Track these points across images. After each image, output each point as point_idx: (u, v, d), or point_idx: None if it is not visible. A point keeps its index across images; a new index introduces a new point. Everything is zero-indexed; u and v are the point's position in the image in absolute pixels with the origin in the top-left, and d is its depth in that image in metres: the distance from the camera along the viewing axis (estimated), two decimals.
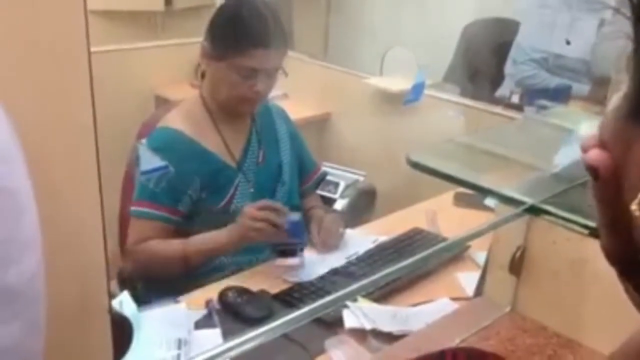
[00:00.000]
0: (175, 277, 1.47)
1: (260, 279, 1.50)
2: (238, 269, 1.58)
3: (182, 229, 1.56)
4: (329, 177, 1.90)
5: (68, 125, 0.59)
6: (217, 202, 1.57)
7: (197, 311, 1.35)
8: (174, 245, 1.46)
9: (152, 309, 1.29)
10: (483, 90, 2.72)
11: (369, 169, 2.29)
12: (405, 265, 0.92)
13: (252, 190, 1.59)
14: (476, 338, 1.19)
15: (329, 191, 2.09)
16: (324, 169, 1.86)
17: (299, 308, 0.80)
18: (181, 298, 1.38)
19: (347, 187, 2.14)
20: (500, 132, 1.27)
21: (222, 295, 1.40)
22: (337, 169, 2.19)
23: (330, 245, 1.54)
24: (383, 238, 1.67)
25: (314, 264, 1.53)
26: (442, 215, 1.81)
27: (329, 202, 1.98)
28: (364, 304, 1.36)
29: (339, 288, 0.87)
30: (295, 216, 1.44)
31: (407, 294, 1.45)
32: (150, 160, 1.36)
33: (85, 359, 0.64)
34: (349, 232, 1.68)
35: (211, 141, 1.54)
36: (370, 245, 1.64)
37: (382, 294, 1.43)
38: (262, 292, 1.43)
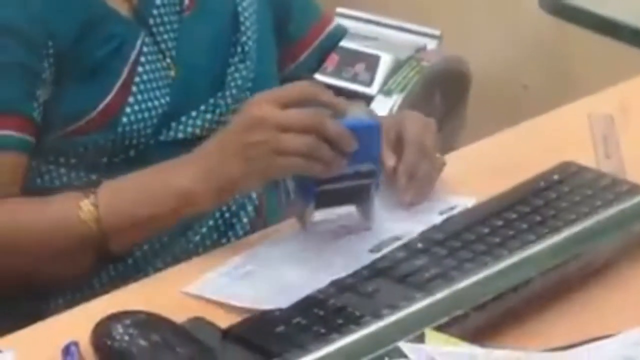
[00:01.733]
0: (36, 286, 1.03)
1: (185, 296, 0.97)
2: (144, 263, 1.05)
3: None
4: (351, 43, 1.54)
5: None
6: (90, 99, 1.05)
7: None
8: (62, 207, 1.00)
9: None
10: None
11: (448, 23, 1.84)
12: (542, 254, 0.73)
13: (170, 71, 1.09)
14: None
15: (353, 78, 1.68)
16: (338, 21, 1.28)
17: None
18: (11, 339, 0.90)
19: (397, 66, 1.70)
20: None
21: (103, 332, 0.90)
22: (371, 23, 1.78)
23: (421, 193, 1.04)
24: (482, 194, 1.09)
25: (316, 254, 0.99)
26: (627, 129, 1.23)
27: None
28: (439, 344, 0.90)
29: (380, 310, 0.77)
30: (361, 113, 1.00)
31: (549, 319, 0.95)
32: None
33: None
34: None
35: None
36: (455, 208, 1.05)
37: (486, 321, 0.92)
38: (199, 324, 0.90)
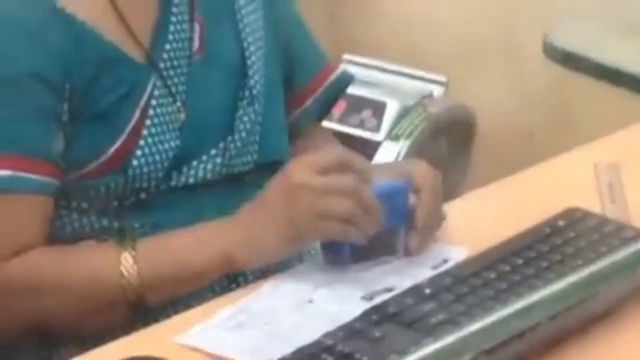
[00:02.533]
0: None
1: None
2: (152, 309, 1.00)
3: None
4: (358, 89, 1.56)
5: None
6: (101, 143, 1.04)
7: None
8: (104, 259, 0.99)
9: None
10: None
11: (454, 70, 1.84)
12: (549, 299, 0.73)
13: (181, 114, 1.07)
14: None
15: (360, 124, 1.68)
16: (343, 67, 1.32)
17: None
18: None
19: (403, 112, 1.70)
20: None
21: None
22: (378, 69, 1.77)
23: (427, 241, 1.04)
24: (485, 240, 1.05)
25: (327, 295, 0.98)
26: (630, 176, 1.23)
27: (358, 149, 1.50)
28: None
29: (387, 356, 0.74)
30: (387, 175, 1.03)
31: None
32: None
33: None
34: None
35: (93, 11, 1.05)
36: (448, 261, 1.05)
37: None
38: None
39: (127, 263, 0.96)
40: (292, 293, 0.96)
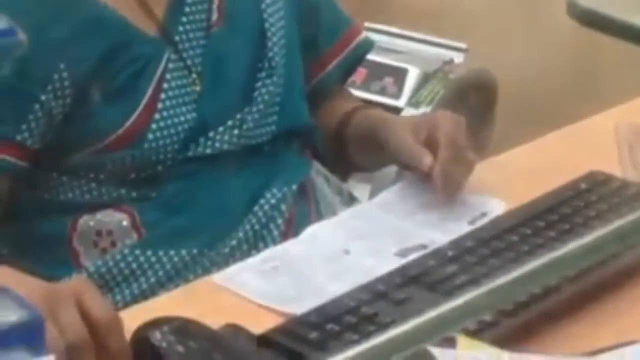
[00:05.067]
0: None
1: (221, 302, 0.95)
2: (175, 275, 1.03)
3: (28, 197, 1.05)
4: (379, 56, 1.52)
5: None
6: (115, 119, 1.03)
7: None
8: None
9: None
10: None
11: (475, 35, 1.84)
12: (571, 257, 0.71)
13: (196, 86, 1.07)
14: None
15: (381, 91, 1.66)
16: (366, 34, 1.28)
17: None
18: None
19: (424, 79, 1.69)
20: None
21: (142, 339, 0.88)
22: (399, 36, 1.76)
23: (454, 192, 1.04)
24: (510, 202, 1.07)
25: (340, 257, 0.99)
26: None
27: None
28: (471, 349, 0.91)
29: (407, 317, 0.64)
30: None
31: (581, 324, 0.95)
32: None
33: None
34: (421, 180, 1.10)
35: None
36: (486, 214, 1.05)
37: (517, 327, 0.92)
38: (234, 331, 0.89)
39: None
40: (329, 242, 0.99)
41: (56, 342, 0.80)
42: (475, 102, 1.75)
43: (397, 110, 1.67)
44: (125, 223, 1.02)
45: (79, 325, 0.81)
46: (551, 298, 0.88)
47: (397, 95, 1.71)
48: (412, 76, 1.73)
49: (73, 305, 0.82)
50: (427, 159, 0.99)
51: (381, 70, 1.71)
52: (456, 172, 1.01)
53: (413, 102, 1.71)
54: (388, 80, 1.72)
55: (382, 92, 1.71)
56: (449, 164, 0.99)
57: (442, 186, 0.99)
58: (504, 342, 0.90)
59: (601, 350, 0.93)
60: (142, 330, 0.88)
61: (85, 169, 1.00)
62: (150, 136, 1.00)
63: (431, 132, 1.01)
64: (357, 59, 1.22)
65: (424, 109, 1.68)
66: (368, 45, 1.23)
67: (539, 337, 0.92)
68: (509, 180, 1.12)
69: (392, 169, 1.31)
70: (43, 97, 0.97)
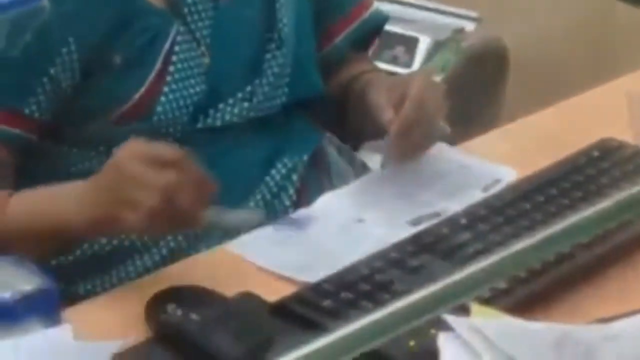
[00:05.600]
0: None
1: (234, 271, 0.96)
2: (186, 246, 1.03)
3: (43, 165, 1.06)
4: (390, 26, 1.42)
5: None
6: (124, 91, 1.04)
7: (100, 343, 0.89)
8: None
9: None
10: None
11: (487, 6, 1.83)
12: (584, 224, 0.70)
13: (205, 58, 1.07)
14: None
15: (392, 60, 1.69)
16: (377, 5, 1.26)
17: (332, 333, 0.57)
18: (68, 313, 0.90)
19: (436, 47, 1.72)
20: None
21: (157, 307, 0.91)
22: (410, 5, 1.78)
23: (412, 153, 1.04)
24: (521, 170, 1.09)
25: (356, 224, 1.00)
26: None
27: None
28: (484, 317, 0.91)
29: (420, 284, 0.62)
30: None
31: (595, 292, 0.96)
32: None
33: None
34: (442, 151, 1.10)
35: None
36: (499, 181, 1.06)
37: (531, 295, 0.93)
38: (248, 299, 0.91)
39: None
40: (342, 211, 0.99)
41: (154, 199, 0.87)
42: (487, 71, 1.75)
43: None
44: None
45: (161, 175, 0.88)
46: (565, 265, 0.88)
47: (408, 64, 1.70)
48: (423, 45, 1.72)
49: (141, 163, 0.89)
50: (387, 114, 0.98)
51: (392, 39, 1.70)
52: (417, 134, 0.99)
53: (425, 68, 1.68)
54: (399, 49, 1.71)
55: (394, 61, 1.70)
56: (408, 125, 0.97)
57: (395, 143, 0.98)
58: (518, 309, 0.89)
59: (616, 317, 0.91)
60: (156, 299, 0.91)
61: (96, 142, 1.01)
62: (160, 108, 1.00)
63: (403, 91, 1.00)
64: (368, 31, 1.21)
65: (436, 79, 1.61)
66: (380, 19, 1.22)
67: (553, 304, 0.92)
68: (521, 148, 1.12)
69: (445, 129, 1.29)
70: (52, 71, 0.98)
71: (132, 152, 0.91)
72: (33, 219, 0.97)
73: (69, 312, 0.89)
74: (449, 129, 1.02)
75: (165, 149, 0.93)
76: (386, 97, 1.00)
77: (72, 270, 1.01)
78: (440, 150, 1.09)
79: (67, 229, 0.94)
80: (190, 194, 0.87)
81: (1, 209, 0.97)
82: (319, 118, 1.13)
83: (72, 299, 0.92)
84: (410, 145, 0.99)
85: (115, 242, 1.01)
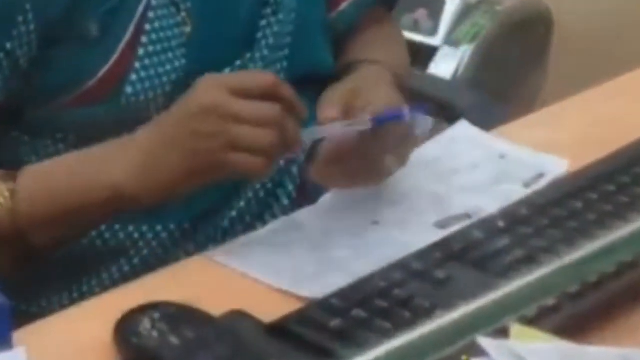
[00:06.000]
0: None
1: (222, 283, 0.98)
2: (172, 246, 1.06)
3: None
4: None
5: None
6: (88, 66, 1.04)
7: None
8: None
9: None
10: None
11: None
12: None
13: (187, 27, 1.07)
14: None
15: (413, 26, 1.71)
16: None
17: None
18: (21, 334, 0.91)
19: (465, 11, 1.74)
20: None
21: (127, 328, 0.91)
22: None
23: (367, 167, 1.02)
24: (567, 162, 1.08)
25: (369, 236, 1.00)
26: None
27: (418, 54, 1.58)
28: (526, 340, 0.89)
29: (454, 301, 0.72)
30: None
31: None
32: None
33: None
34: (474, 138, 1.12)
35: None
36: (544, 175, 1.06)
37: (583, 314, 0.92)
38: (239, 318, 0.91)
39: (2, 198, 0.99)
40: (353, 211, 1.00)
41: (272, 135, 0.92)
42: (527, 40, 1.76)
43: (432, 50, 1.70)
44: None
45: (270, 107, 0.93)
46: (625, 278, 0.87)
47: (432, 31, 1.73)
48: (451, 7, 1.75)
49: (230, 95, 0.93)
50: (325, 111, 1.00)
51: (413, 1, 1.73)
52: (355, 166, 1.00)
53: (452, 40, 1.73)
54: (421, 13, 1.74)
55: (415, 27, 1.73)
56: (341, 153, 0.98)
57: (322, 167, 1.00)
58: (567, 331, 0.88)
59: None
60: (128, 317, 0.88)
61: (51, 128, 1.01)
62: (129, 89, 1.01)
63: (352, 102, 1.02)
64: None
65: (465, 49, 1.70)
66: None
67: (610, 324, 0.90)
68: (570, 134, 1.13)
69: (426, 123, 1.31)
70: (8, 45, 0.99)
71: (216, 87, 0.95)
72: (65, 195, 1.01)
73: (23, 333, 0.89)
74: (395, 170, 1.01)
75: (254, 77, 1.00)
76: (340, 95, 1.02)
77: (25, 283, 1.01)
78: (471, 136, 1.10)
79: (121, 198, 0.97)
80: (294, 121, 0.94)
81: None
82: None
83: (26, 318, 0.92)
84: (340, 176, 1.01)
85: (76, 250, 1.02)
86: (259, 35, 1.10)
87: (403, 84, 1.17)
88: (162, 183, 0.97)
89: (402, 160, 1.02)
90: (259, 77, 1.01)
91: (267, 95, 0.95)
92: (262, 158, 0.94)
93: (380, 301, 0.88)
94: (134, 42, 1.04)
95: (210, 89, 0.96)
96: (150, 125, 0.98)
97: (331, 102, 1.04)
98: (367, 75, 1.15)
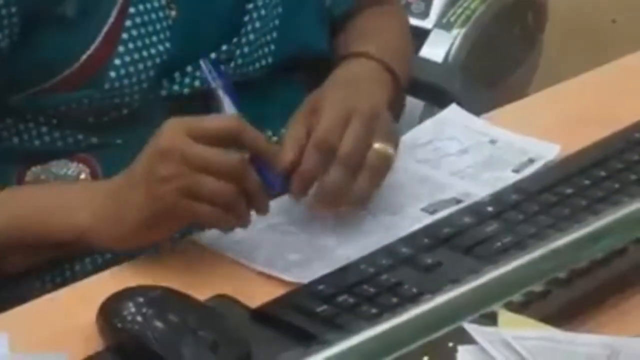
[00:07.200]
0: None
1: (207, 268, 0.98)
2: None
3: None
4: None
5: None
6: (70, 50, 1.04)
7: (42, 355, 0.92)
8: None
9: None
10: None
11: None
12: (638, 216, 0.74)
13: (171, 10, 1.07)
14: None
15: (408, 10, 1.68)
16: None
17: (328, 346, 0.62)
18: (2, 319, 0.93)
19: None
20: None
21: (111, 312, 0.92)
22: None
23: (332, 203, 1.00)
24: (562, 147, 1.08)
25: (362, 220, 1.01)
26: None
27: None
28: (514, 327, 0.90)
29: (443, 287, 0.71)
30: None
31: None
32: None
33: None
34: (464, 122, 1.11)
35: None
36: (534, 161, 1.07)
37: (571, 300, 0.93)
38: (224, 303, 0.92)
39: None
40: None
41: (228, 186, 0.90)
42: (519, 24, 1.75)
43: (423, 33, 1.68)
44: (83, 175, 1.03)
45: (230, 154, 0.91)
46: (616, 264, 0.87)
47: (424, 14, 1.70)
48: None
49: (189, 139, 0.91)
50: (287, 156, 0.97)
51: None
52: (333, 180, 0.97)
53: (443, 23, 1.70)
54: None
55: (406, 9, 1.67)
56: (314, 170, 0.96)
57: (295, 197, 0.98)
58: (557, 318, 0.88)
59: None
60: (111, 301, 0.88)
61: (34, 111, 1.01)
62: (113, 74, 1.00)
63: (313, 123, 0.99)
64: None
65: (457, 32, 1.67)
66: None
67: (601, 311, 0.91)
68: (561, 118, 1.13)
69: (417, 106, 1.29)
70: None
71: (178, 131, 0.92)
72: (32, 229, 0.99)
73: (4, 318, 0.89)
74: (392, 156, 0.98)
75: (219, 122, 0.96)
76: (300, 124, 0.99)
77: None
78: (462, 121, 1.09)
79: (87, 242, 0.96)
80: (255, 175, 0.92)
81: None
82: (318, 85, 1.12)
83: (7, 304, 0.92)
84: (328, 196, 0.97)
85: None
86: (247, 18, 1.09)
87: (398, 68, 1.14)
88: (127, 226, 0.96)
89: (374, 185, 0.99)
90: (223, 122, 0.98)
91: (230, 141, 0.94)
92: (220, 210, 0.93)
93: (368, 287, 0.89)
94: (118, 26, 1.03)
95: (172, 132, 0.94)
96: (125, 170, 0.97)
97: (290, 138, 1.00)
98: (338, 78, 1.12)
